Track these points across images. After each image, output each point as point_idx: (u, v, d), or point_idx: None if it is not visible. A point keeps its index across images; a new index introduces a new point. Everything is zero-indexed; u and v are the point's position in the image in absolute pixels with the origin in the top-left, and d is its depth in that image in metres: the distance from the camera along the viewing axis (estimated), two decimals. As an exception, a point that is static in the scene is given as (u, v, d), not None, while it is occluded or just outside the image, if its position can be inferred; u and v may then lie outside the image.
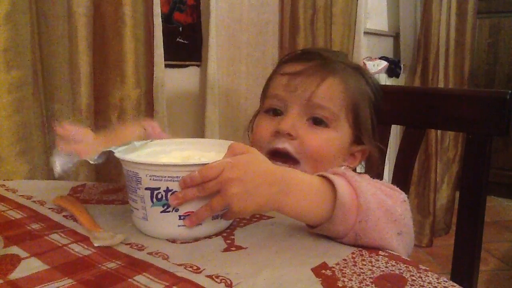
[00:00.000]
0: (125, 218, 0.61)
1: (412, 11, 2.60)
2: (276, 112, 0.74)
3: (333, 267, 0.48)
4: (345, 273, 0.47)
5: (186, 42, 1.50)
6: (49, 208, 0.66)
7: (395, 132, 2.00)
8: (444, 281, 0.46)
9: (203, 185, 0.51)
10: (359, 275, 0.47)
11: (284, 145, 0.70)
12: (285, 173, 0.55)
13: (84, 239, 0.55)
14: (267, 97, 0.77)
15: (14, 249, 0.52)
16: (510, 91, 0.80)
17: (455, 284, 0.45)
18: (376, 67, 2.36)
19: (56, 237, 0.55)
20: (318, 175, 0.56)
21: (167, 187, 0.53)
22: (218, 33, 1.49)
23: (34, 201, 0.69)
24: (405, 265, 0.49)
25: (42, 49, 1.03)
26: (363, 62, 2.22)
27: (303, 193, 0.54)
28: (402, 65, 2.56)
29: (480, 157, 0.83)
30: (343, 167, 0.72)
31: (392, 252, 0.54)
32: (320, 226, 0.54)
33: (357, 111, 0.74)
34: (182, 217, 0.54)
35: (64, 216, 0.63)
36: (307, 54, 0.78)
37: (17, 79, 0.95)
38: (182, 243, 0.55)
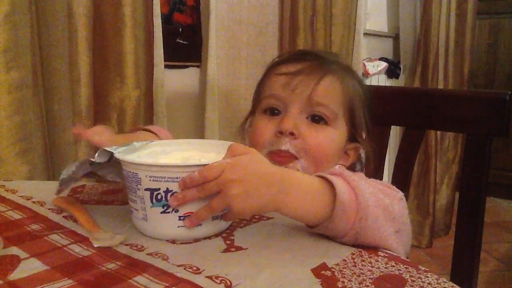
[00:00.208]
0: (125, 218, 0.61)
1: (411, 12, 2.60)
2: (273, 112, 0.75)
3: (333, 268, 0.48)
4: (345, 273, 0.47)
5: (186, 43, 1.50)
6: (49, 209, 0.66)
7: (395, 132, 2.01)
8: (444, 281, 0.46)
9: (203, 186, 0.51)
10: (359, 275, 0.47)
11: (286, 146, 0.70)
12: (284, 173, 0.55)
13: (83, 240, 0.55)
14: (264, 97, 0.77)
15: (14, 250, 0.52)
16: (510, 92, 0.80)
17: (454, 285, 0.45)
18: (376, 68, 2.36)
19: (56, 238, 0.55)
20: (316, 176, 0.57)
21: (167, 188, 0.52)
22: (218, 34, 1.49)
23: (34, 202, 0.69)
24: (405, 266, 0.49)
25: (42, 50, 1.03)
26: (363, 63, 2.22)
27: (303, 193, 0.54)
28: (401, 66, 2.57)
29: (480, 157, 0.83)
30: (337, 166, 0.73)
31: (391, 252, 0.54)
32: (320, 225, 0.54)
33: (353, 109, 0.76)
34: (182, 218, 0.54)
35: (64, 216, 0.63)
36: (303, 54, 0.80)
37: (17, 79, 0.95)
38: (181, 243, 0.54)
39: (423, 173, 2.47)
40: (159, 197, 0.53)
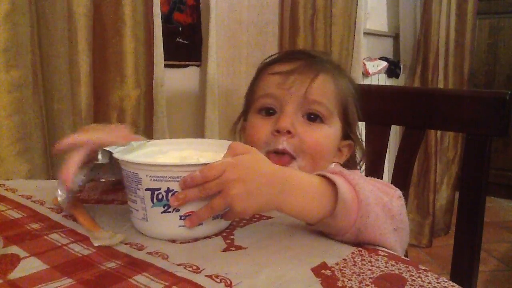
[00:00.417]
0: (125, 217, 0.61)
1: (412, 12, 2.60)
2: (268, 112, 0.75)
3: (333, 267, 0.48)
4: (345, 273, 0.47)
5: (186, 42, 1.50)
6: (49, 208, 0.66)
7: (395, 132, 2.01)
8: (444, 281, 0.46)
9: (204, 185, 0.51)
10: (359, 275, 0.47)
11: (283, 145, 0.71)
12: (285, 172, 0.55)
13: (83, 239, 0.55)
14: (258, 97, 0.77)
15: (14, 249, 0.52)
16: (509, 92, 0.80)
17: (454, 284, 0.45)
18: (376, 68, 2.36)
19: (56, 237, 0.55)
20: (316, 174, 0.57)
21: (168, 188, 0.52)
22: (218, 33, 1.49)
23: (34, 201, 0.69)
24: (405, 265, 0.49)
25: (42, 49, 1.03)
26: (363, 63, 2.22)
27: (304, 192, 0.54)
28: (401, 66, 2.57)
29: (479, 157, 0.83)
30: (333, 165, 0.73)
31: (391, 252, 0.54)
32: (321, 222, 0.54)
33: (346, 106, 0.77)
34: (182, 218, 0.54)
35: (63, 215, 0.63)
36: (294, 53, 0.81)
37: (17, 79, 0.95)
38: (181, 243, 0.54)
39: (423, 173, 2.47)
40: (160, 197, 0.53)
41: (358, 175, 0.58)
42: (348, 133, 0.78)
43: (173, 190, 0.52)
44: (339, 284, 0.45)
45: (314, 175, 0.57)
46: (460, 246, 0.85)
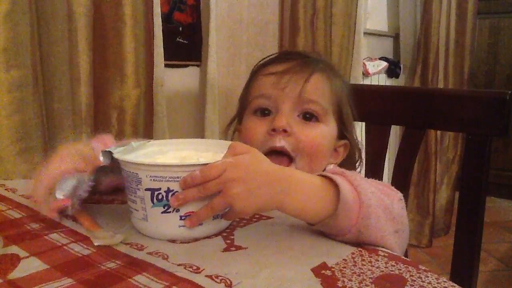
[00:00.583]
0: (125, 217, 0.61)
1: (412, 12, 2.60)
2: (264, 113, 0.75)
3: (333, 267, 0.48)
4: (345, 273, 0.47)
5: (186, 42, 1.50)
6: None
7: (395, 132, 2.01)
8: (444, 281, 0.46)
9: (204, 185, 0.51)
10: (359, 275, 0.47)
11: (281, 143, 0.71)
12: (286, 172, 0.55)
13: (83, 239, 0.55)
14: (253, 98, 0.77)
15: (14, 249, 0.52)
16: (510, 92, 0.80)
17: (454, 285, 0.45)
18: (376, 68, 2.36)
19: (56, 237, 0.55)
20: (317, 175, 0.57)
21: (168, 188, 0.52)
22: (218, 33, 1.49)
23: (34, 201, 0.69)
24: (405, 265, 0.49)
25: (42, 49, 1.03)
26: (363, 63, 2.22)
27: (305, 191, 0.54)
28: (401, 66, 2.57)
29: (479, 157, 0.83)
30: (331, 166, 0.74)
31: (391, 252, 0.54)
32: (322, 222, 0.54)
33: (341, 106, 0.77)
34: (183, 218, 0.54)
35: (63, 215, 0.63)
36: (288, 54, 0.82)
37: (17, 78, 0.95)
38: (182, 243, 0.54)
39: (423, 173, 2.47)
40: (160, 197, 0.53)
41: (360, 176, 0.58)
42: (343, 133, 0.78)
43: (173, 190, 0.52)
44: (339, 284, 0.45)
45: (315, 175, 0.57)
46: (460, 246, 0.85)
